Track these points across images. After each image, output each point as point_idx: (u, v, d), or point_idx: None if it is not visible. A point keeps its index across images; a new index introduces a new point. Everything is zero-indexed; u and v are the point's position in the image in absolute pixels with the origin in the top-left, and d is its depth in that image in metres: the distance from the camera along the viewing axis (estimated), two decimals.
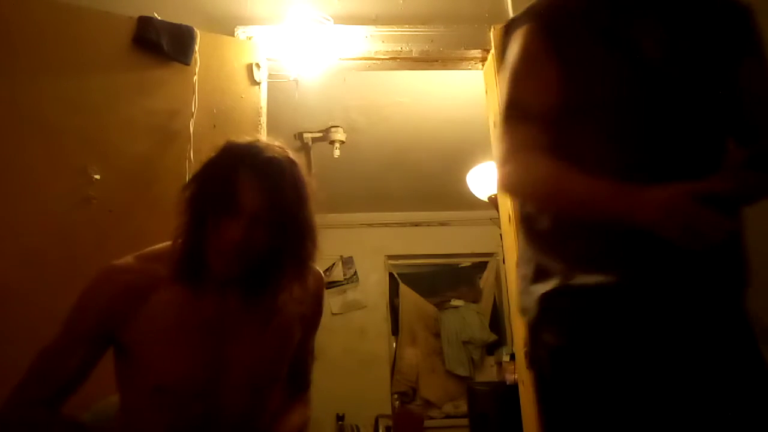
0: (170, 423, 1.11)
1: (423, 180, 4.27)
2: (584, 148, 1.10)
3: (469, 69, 2.49)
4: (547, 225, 1.16)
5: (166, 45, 2.05)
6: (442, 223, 5.01)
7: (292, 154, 1.17)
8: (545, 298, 1.13)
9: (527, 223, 1.23)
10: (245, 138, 1.19)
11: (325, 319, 5.24)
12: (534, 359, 1.19)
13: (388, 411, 4.59)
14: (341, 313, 4.85)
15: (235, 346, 1.15)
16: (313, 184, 1.19)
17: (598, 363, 1.06)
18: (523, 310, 1.19)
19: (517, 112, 1.16)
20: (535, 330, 1.17)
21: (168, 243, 1.16)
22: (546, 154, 1.11)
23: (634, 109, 1.10)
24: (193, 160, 1.99)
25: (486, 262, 4.99)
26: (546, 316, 1.14)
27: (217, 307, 1.15)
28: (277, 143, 1.18)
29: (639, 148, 1.01)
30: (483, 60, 2.39)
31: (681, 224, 0.92)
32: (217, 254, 1.10)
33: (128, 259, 1.15)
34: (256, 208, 1.09)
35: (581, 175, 1.05)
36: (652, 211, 0.95)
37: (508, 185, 1.18)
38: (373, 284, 4.95)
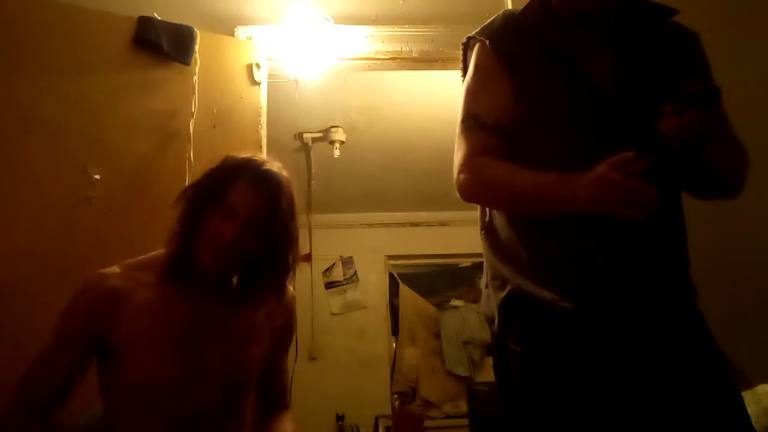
0: (151, 423, 1.15)
1: (423, 180, 4.26)
2: (532, 158, 1.15)
3: None
4: (503, 235, 1.24)
5: (166, 45, 2.05)
6: (442, 223, 5.00)
7: (286, 173, 1.24)
8: (504, 305, 1.20)
9: (486, 233, 1.30)
10: (246, 153, 1.26)
11: (325, 319, 5.22)
12: (499, 365, 1.25)
13: (388, 411, 4.59)
14: (341, 313, 4.85)
15: (210, 349, 1.20)
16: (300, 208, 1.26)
17: (562, 368, 1.11)
18: (488, 319, 1.26)
19: (472, 123, 1.23)
20: (499, 337, 1.23)
21: (155, 253, 1.23)
22: (498, 159, 1.18)
23: (578, 125, 1.16)
24: (193, 160, 1.99)
25: None
26: (508, 323, 1.20)
27: (195, 312, 1.20)
28: (276, 163, 1.24)
29: (583, 161, 1.05)
30: None
31: (616, 197, 0.96)
32: (207, 250, 1.15)
33: (114, 267, 1.21)
34: (251, 212, 1.15)
35: (527, 171, 1.11)
36: (589, 192, 1.00)
37: (465, 191, 1.22)
38: (373, 284, 4.95)
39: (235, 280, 1.23)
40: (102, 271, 1.20)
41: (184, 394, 1.16)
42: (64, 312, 1.17)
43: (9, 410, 1.12)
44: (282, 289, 1.27)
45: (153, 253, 1.24)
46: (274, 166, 1.22)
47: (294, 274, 1.26)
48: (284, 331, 1.38)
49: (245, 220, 1.15)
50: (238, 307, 1.23)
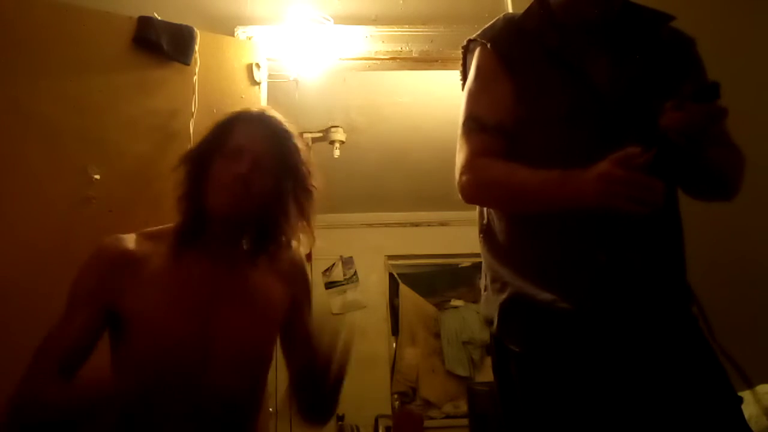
0: (162, 399, 1.10)
1: (423, 180, 4.26)
2: (533, 160, 1.15)
3: None
4: (503, 237, 1.23)
5: (166, 45, 2.05)
6: (442, 223, 5.00)
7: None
8: (504, 307, 1.19)
9: (485, 235, 1.30)
10: None
11: (325, 319, 5.19)
12: (498, 366, 1.24)
13: (388, 411, 4.59)
14: (341, 313, 4.85)
15: (222, 320, 1.16)
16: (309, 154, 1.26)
17: (561, 369, 1.11)
18: (487, 320, 1.26)
19: (473, 124, 1.23)
20: (499, 338, 1.22)
21: (171, 225, 1.19)
22: (500, 159, 1.18)
23: (577, 126, 1.16)
24: None
25: None
26: (507, 325, 1.20)
27: (208, 281, 1.17)
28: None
29: (583, 162, 1.05)
30: None
31: (620, 192, 0.96)
32: (220, 194, 1.13)
33: (130, 233, 1.18)
34: (258, 149, 1.14)
35: (529, 170, 1.11)
36: (593, 189, 0.99)
37: (468, 192, 1.22)
38: (373, 284, 4.95)
39: (245, 242, 1.19)
40: (115, 235, 1.17)
41: (195, 368, 1.11)
42: (78, 274, 1.14)
43: (29, 373, 1.08)
44: (308, 222, 1.22)
45: (170, 225, 1.20)
46: (275, 114, 1.23)
47: (310, 217, 1.23)
48: (300, 287, 1.31)
49: (253, 155, 1.13)
50: (258, 256, 1.18)
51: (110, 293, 1.12)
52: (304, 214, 1.22)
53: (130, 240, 1.16)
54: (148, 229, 1.22)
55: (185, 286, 1.15)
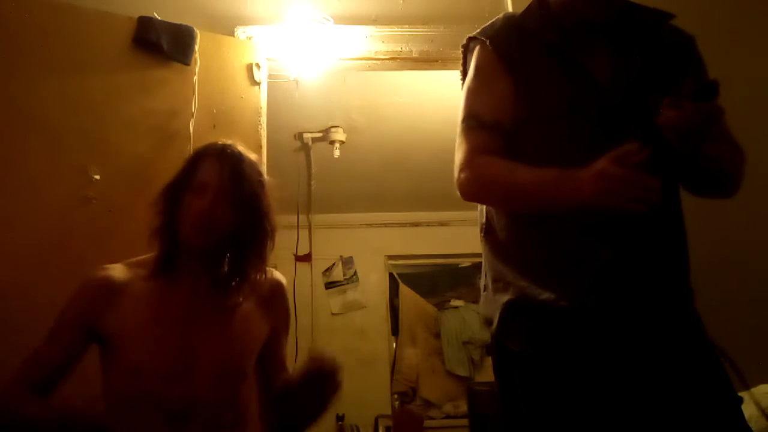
0: (148, 414, 1.18)
1: (423, 180, 4.25)
2: (533, 157, 1.15)
3: None
4: (504, 236, 1.23)
5: (166, 45, 2.05)
6: (442, 223, 5.00)
7: (251, 154, 1.33)
8: (506, 308, 1.19)
9: (486, 234, 1.30)
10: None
11: (325, 319, 5.20)
12: (499, 366, 1.24)
13: (388, 411, 4.59)
14: (341, 314, 4.85)
15: (203, 335, 1.25)
16: (271, 182, 1.34)
17: (562, 369, 1.11)
18: (487, 320, 1.26)
19: (472, 122, 1.23)
20: (500, 339, 1.22)
21: (152, 255, 1.28)
22: (499, 157, 1.18)
23: (578, 123, 1.16)
24: None
25: None
26: (508, 325, 1.19)
27: (189, 301, 1.26)
28: (240, 146, 1.33)
29: (583, 160, 1.04)
30: None
31: (618, 191, 0.97)
32: (189, 227, 1.23)
33: (114, 264, 1.28)
34: (220, 182, 1.24)
35: (528, 168, 1.12)
36: (591, 188, 1.00)
37: (466, 190, 1.22)
38: (373, 284, 4.95)
39: (225, 266, 1.28)
40: (101, 266, 1.26)
41: (179, 382, 1.20)
42: (66, 302, 1.24)
43: (9, 385, 1.18)
44: (260, 262, 1.30)
45: (152, 254, 1.28)
46: (236, 146, 1.31)
47: (273, 242, 1.31)
48: (280, 316, 1.40)
49: (216, 190, 1.23)
50: (228, 285, 1.27)
51: (94, 317, 1.21)
52: (259, 248, 1.30)
53: (114, 269, 1.27)
54: (132, 259, 1.30)
55: (166, 307, 1.24)
